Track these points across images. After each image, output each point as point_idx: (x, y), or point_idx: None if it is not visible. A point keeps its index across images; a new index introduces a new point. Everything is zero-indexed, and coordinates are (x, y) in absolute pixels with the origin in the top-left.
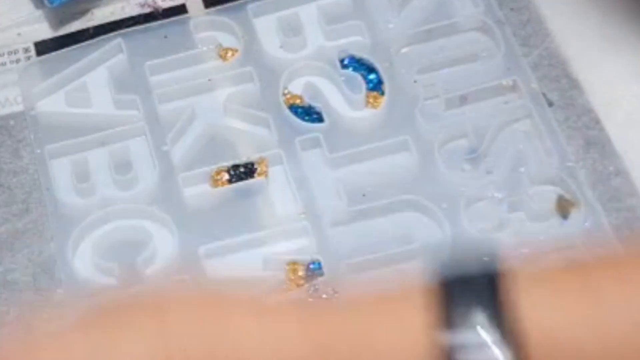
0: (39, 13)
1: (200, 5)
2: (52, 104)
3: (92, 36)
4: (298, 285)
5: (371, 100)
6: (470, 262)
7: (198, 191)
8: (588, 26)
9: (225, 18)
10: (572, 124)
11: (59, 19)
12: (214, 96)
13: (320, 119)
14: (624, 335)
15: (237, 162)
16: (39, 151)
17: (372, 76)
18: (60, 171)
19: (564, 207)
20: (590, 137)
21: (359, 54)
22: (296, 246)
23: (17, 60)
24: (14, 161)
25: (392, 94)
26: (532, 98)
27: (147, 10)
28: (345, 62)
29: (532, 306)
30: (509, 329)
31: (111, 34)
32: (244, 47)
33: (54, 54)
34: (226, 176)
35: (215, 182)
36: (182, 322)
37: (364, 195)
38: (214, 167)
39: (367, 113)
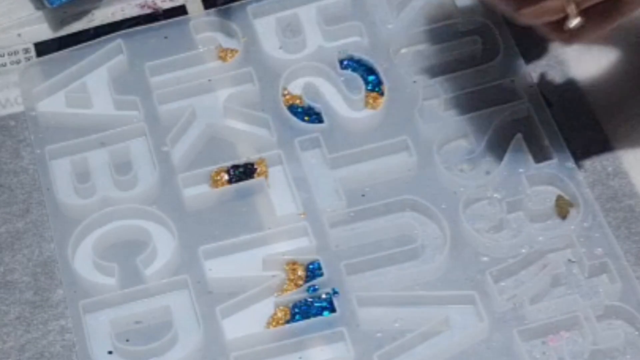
0: (39, 14)
1: (200, 6)
2: (53, 105)
3: (92, 37)
4: (297, 285)
5: (370, 100)
6: None
7: (198, 191)
8: None
9: (225, 19)
10: (571, 124)
11: (59, 20)
12: (213, 97)
13: (319, 120)
14: None
15: (236, 162)
16: (39, 151)
17: (371, 77)
18: (61, 172)
19: (562, 208)
20: (589, 137)
21: (358, 54)
22: (296, 246)
23: (18, 61)
24: (14, 161)
25: (392, 95)
26: (531, 98)
27: (147, 11)
28: (345, 62)
29: None
30: None
31: (111, 35)
32: (243, 47)
33: (54, 54)
34: (226, 176)
35: (215, 183)
36: None
37: (363, 195)
38: (214, 168)
39: (366, 113)
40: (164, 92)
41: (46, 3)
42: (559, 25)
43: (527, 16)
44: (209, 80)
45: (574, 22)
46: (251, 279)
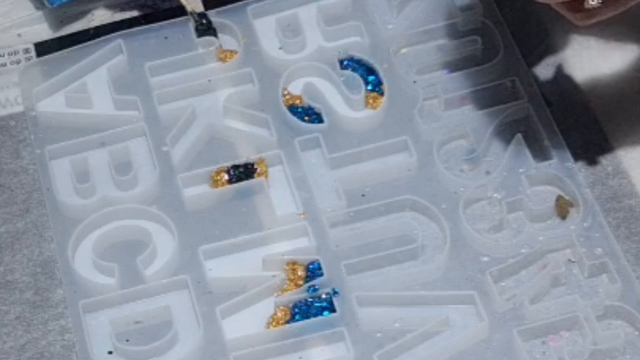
0: (39, 14)
1: (201, 6)
2: (52, 105)
3: (92, 37)
4: (297, 285)
5: (370, 100)
6: None
7: (198, 191)
8: (588, 25)
9: (225, 19)
10: (571, 124)
11: (59, 20)
12: (213, 97)
13: (319, 120)
14: None
15: (236, 162)
16: (39, 151)
17: (371, 77)
18: (61, 171)
19: (562, 207)
20: (589, 137)
21: (358, 54)
22: (296, 246)
23: (18, 61)
24: (14, 161)
25: (392, 95)
26: (531, 98)
27: (147, 11)
28: (345, 62)
29: None
30: None
31: (111, 35)
32: (243, 48)
33: (54, 54)
34: (226, 176)
35: (215, 183)
36: None
37: (363, 195)
38: (214, 168)
39: (366, 113)
40: (164, 92)
41: (46, 3)
42: (575, 5)
43: None
44: (209, 80)
45: (593, 1)
46: (251, 279)
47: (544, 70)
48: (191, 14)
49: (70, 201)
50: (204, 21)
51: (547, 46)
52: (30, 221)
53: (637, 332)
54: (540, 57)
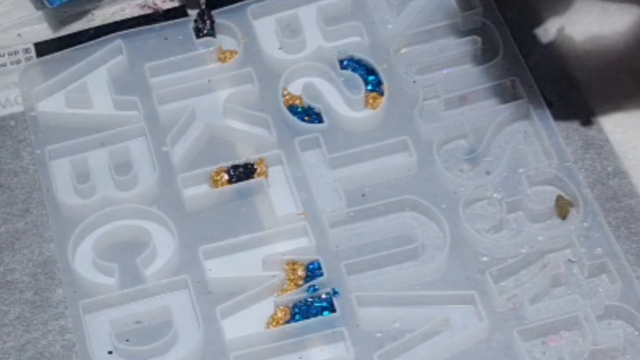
0: (39, 14)
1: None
2: (52, 105)
3: (92, 37)
4: (297, 285)
5: (370, 100)
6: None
7: (198, 191)
8: (588, 26)
9: (225, 20)
10: (571, 124)
11: (59, 20)
12: (213, 97)
13: (319, 120)
14: None
15: (236, 162)
16: (39, 152)
17: (371, 77)
18: (60, 172)
19: (562, 207)
20: (589, 137)
21: (358, 54)
22: (296, 246)
23: (18, 61)
24: (14, 161)
25: (391, 95)
26: (531, 98)
27: (147, 11)
28: (345, 62)
29: None
30: None
31: (111, 35)
32: (243, 48)
33: (54, 54)
34: (226, 176)
35: (215, 183)
36: None
37: (363, 195)
38: (214, 168)
39: (366, 113)
40: (164, 92)
41: (46, 3)
42: None
43: None
44: (209, 80)
45: None
46: (251, 279)
47: (544, 70)
48: (202, 5)
49: (70, 201)
50: (209, 20)
51: (548, 46)
52: (30, 221)
53: (637, 332)
54: (540, 57)
